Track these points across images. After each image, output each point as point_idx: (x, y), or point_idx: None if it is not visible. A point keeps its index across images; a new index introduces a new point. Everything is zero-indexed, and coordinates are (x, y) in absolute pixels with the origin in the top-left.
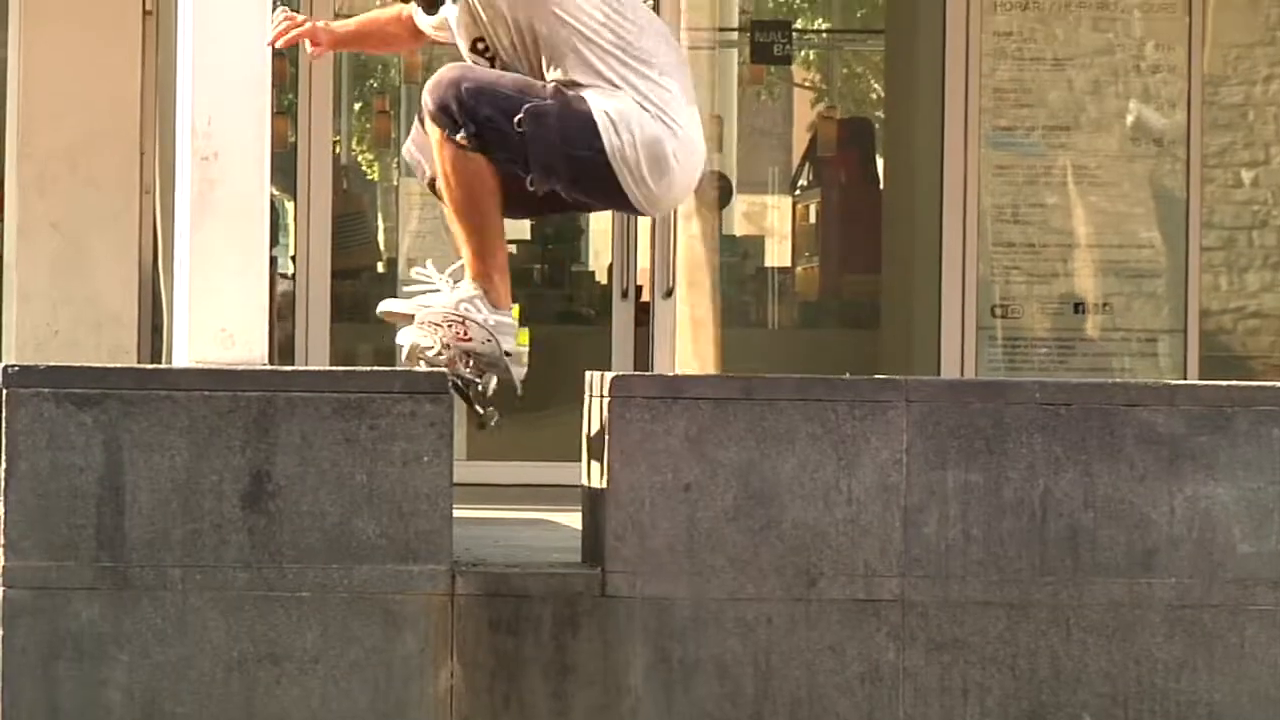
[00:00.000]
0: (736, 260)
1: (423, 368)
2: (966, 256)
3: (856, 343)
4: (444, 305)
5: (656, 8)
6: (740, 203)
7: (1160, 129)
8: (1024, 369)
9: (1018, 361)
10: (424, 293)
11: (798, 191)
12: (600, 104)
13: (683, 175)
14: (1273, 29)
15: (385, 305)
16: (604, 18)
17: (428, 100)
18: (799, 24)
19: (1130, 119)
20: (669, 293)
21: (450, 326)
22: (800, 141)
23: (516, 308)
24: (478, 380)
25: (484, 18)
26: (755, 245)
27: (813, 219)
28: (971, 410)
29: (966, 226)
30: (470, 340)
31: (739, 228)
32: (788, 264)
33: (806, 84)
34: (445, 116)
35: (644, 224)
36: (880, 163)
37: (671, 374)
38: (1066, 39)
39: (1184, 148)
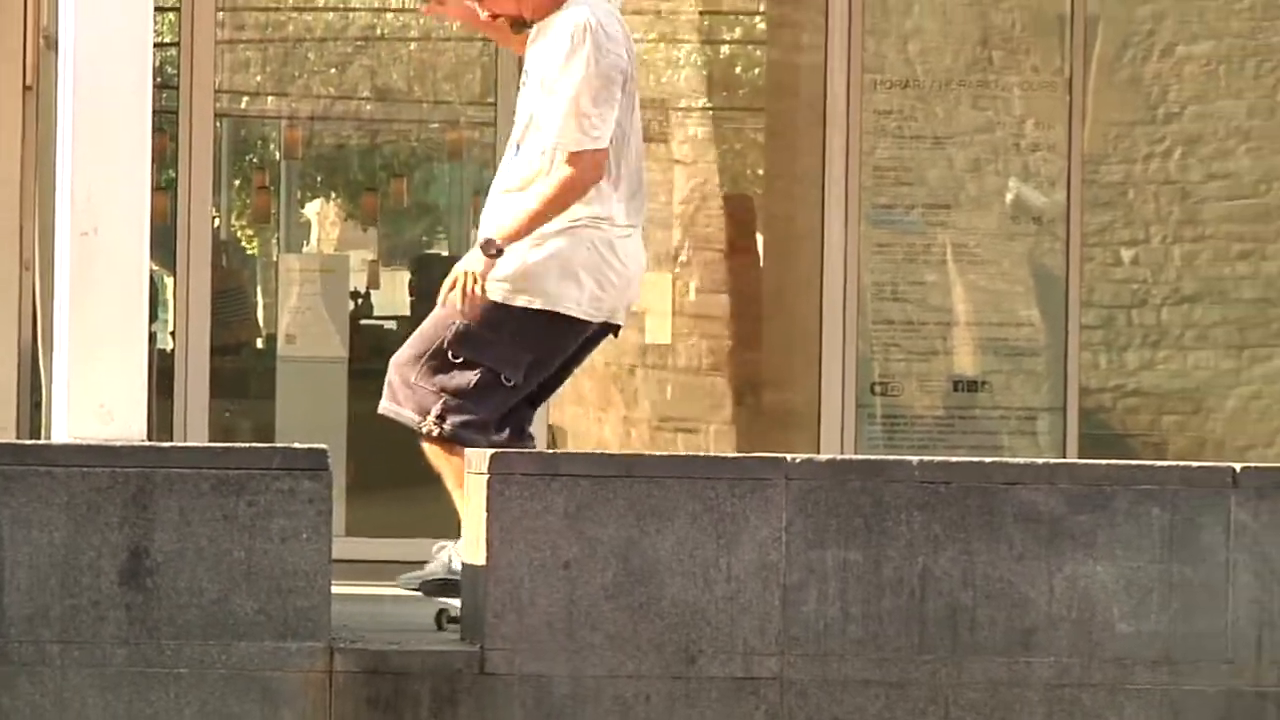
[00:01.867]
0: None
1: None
2: (846, 334)
3: (737, 419)
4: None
5: None
6: None
7: (1040, 207)
8: (903, 447)
9: (897, 439)
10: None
11: (677, 269)
12: (496, 274)
13: (610, 276)
14: (1153, 108)
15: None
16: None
17: (406, 415)
18: (679, 101)
19: (1010, 197)
20: None
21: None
22: (680, 218)
23: None
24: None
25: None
26: (635, 321)
27: (693, 295)
28: (851, 488)
29: (846, 304)
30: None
31: None
32: (668, 341)
33: (685, 161)
34: (422, 411)
35: None
36: (760, 240)
37: (551, 451)
38: (947, 117)
39: (1064, 226)
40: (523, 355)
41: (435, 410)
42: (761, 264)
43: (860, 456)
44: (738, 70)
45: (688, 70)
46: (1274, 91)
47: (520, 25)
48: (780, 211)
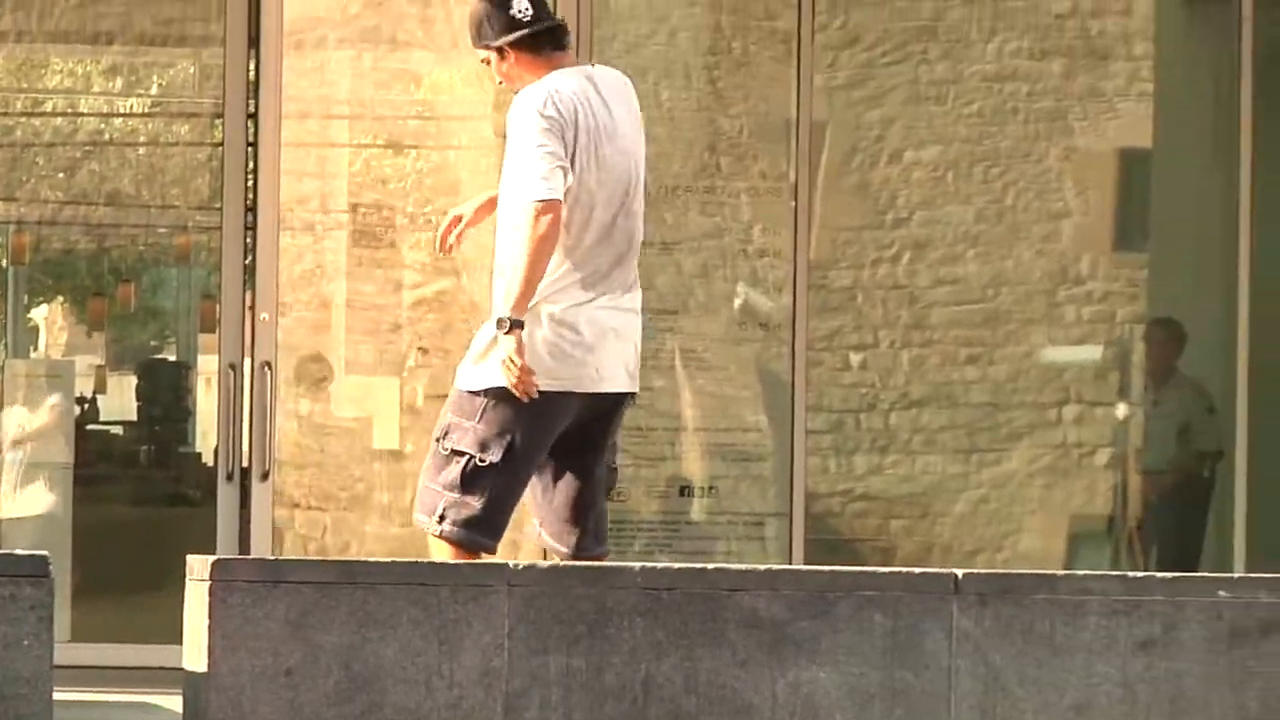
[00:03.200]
0: (345, 441)
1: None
2: None
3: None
4: None
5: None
6: (349, 385)
7: (767, 312)
8: (630, 553)
9: (624, 545)
10: None
11: (405, 373)
12: (464, 364)
13: (564, 346)
14: (881, 212)
15: None
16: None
17: (421, 519)
18: (408, 207)
19: (738, 302)
20: (265, 475)
21: None
22: (409, 323)
23: None
24: None
25: None
26: (363, 427)
27: (420, 401)
28: (574, 595)
29: None
30: None
31: (347, 409)
32: (396, 446)
33: (414, 266)
34: (429, 512)
35: (246, 405)
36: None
37: (273, 558)
38: (675, 223)
39: (790, 331)
40: (498, 435)
41: (439, 509)
42: None
43: (583, 563)
44: (465, 176)
45: (413, 177)
46: (1002, 196)
47: None
48: None
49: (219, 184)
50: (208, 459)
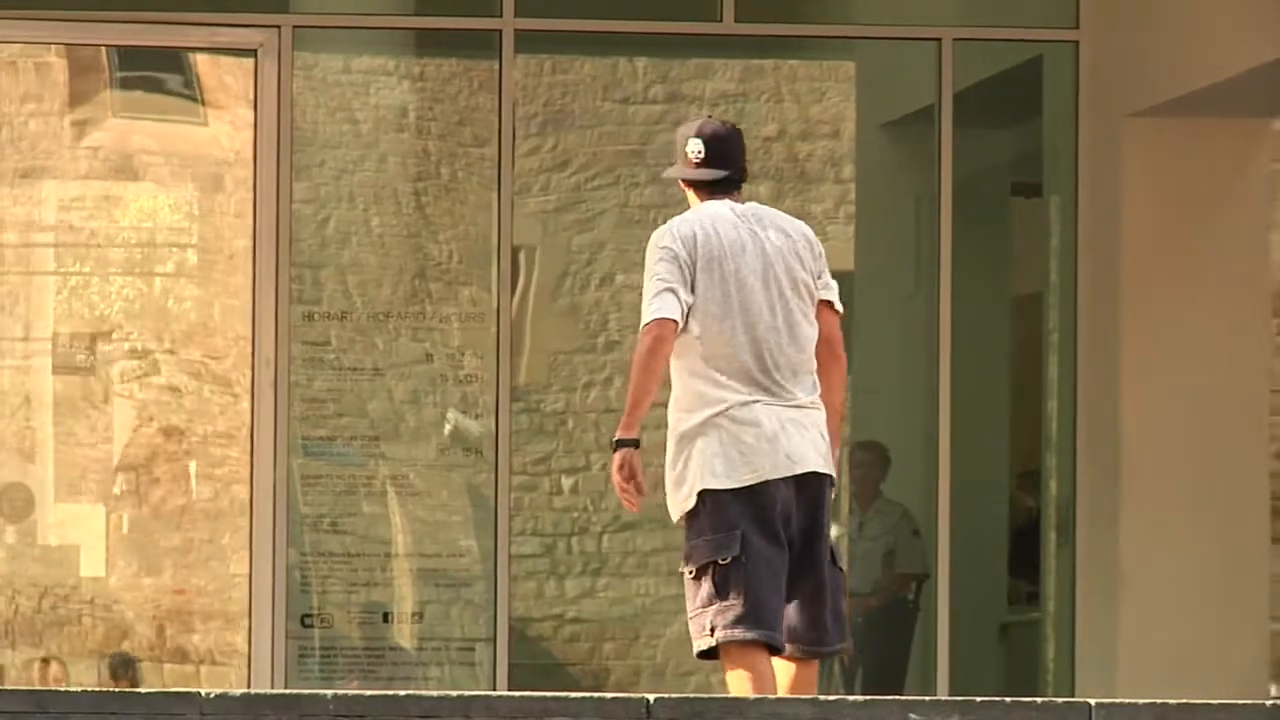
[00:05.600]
0: (48, 570)
1: None
2: (276, 566)
3: (170, 656)
4: None
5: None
6: (55, 512)
7: (476, 437)
8: (339, 679)
9: (329, 671)
10: None
11: (111, 500)
12: (677, 501)
13: (746, 439)
14: (593, 336)
15: None
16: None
17: (697, 645)
18: (113, 334)
19: (448, 428)
20: None
21: None
22: (122, 457)
23: None
24: None
25: None
26: (70, 555)
27: (126, 529)
28: None
29: (276, 535)
30: None
31: (52, 537)
32: (102, 574)
33: (121, 393)
34: (701, 633)
35: None
36: (194, 468)
37: None
38: (386, 349)
39: (496, 455)
40: (728, 532)
41: (708, 625)
42: (194, 495)
43: (276, 691)
44: (170, 304)
45: (120, 303)
46: None
47: None
48: (217, 453)
49: None
50: None
